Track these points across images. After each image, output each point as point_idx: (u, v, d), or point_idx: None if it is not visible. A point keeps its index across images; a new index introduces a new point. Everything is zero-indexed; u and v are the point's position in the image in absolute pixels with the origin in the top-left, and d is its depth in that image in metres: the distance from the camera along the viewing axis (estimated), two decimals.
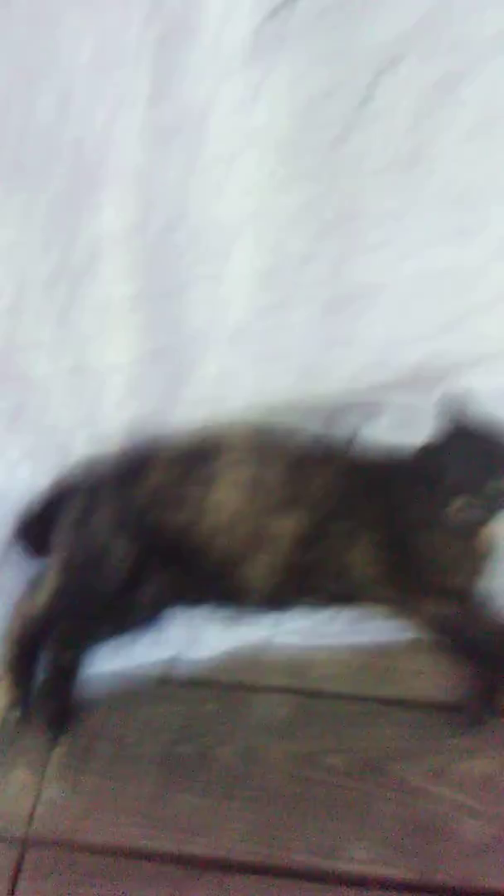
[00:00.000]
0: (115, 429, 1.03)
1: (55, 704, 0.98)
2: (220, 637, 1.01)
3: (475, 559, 0.98)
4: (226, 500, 0.97)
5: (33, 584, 1.01)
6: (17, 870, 0.87)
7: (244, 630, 1.01)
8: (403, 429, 1.19)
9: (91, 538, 0.98)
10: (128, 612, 1.00)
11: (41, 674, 0.99)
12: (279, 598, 1.00)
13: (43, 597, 0.99)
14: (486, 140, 0.75)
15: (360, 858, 0.85)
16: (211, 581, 0.99)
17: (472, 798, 0.89)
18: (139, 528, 0.97)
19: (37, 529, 1.07)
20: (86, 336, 0.86)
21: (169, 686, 1.00)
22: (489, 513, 0.94)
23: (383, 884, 0.84)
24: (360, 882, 0.84)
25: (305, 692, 0.99)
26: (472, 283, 0.92)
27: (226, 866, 0.86)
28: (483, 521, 0.95)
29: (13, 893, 0.86)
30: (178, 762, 0.94)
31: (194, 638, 1.00)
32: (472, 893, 0.83)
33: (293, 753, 0.94)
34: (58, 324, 0.84)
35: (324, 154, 0.72)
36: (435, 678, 0.98)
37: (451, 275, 0.91)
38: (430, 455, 0.98)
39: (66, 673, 0.98)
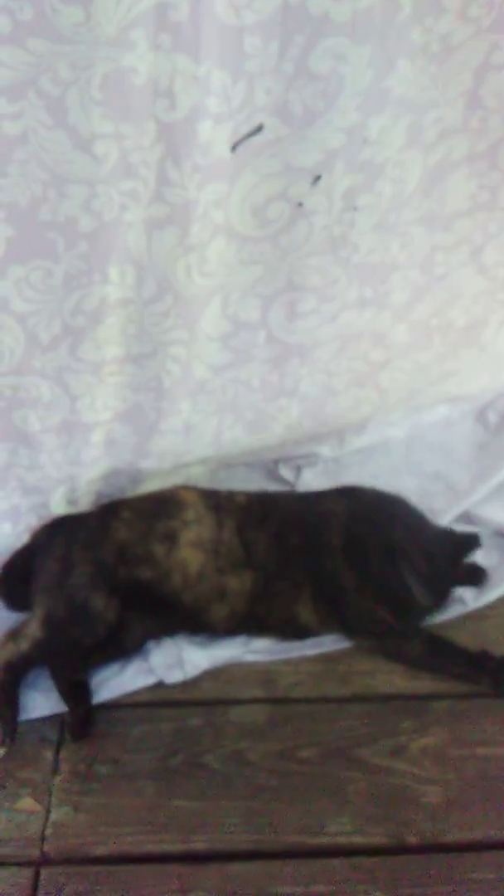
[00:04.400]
0: (90, 484, 1.17)
1: (78, 712, 1.08)
2: (198, 660, 1.13)
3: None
4: (189, 559, 1.13)
5: (13, 634, 1.11)
6: (34, 888, 0.94)
7: (219, 652, 1.14)
8: (327, 477, 1.40)
9: (71, 595, 1.10)
10: (114, 650, 1.13)
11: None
12: (243, 633, 1.17)
13: (25, 645, 1.09)
14: (383, 232, 0.99)
15: (340, 832, 0.98)
16: (182, 623, 1.14)
17: (427, 769, 1.04)
18: (114, 583, 1.10)
19: (11, 585, 1.18)
20: (76, 395, 1.01)
21: (156, 708, 1.11)
22: None
23: (363, 851, 0.97)
24: (343, 852, 0.97)
25: (276, 700, 1.12)
26: (373, 345, 1.16)
27: (225, 857, 0.97)
28: None
29: None
30: (171, 773, 1.04)
31: (175, 662, 1.12)
32: (439, 849, 0.97)
33: (271, 752, 1.06)
34: (55, 383, 0.99)
35: (270, 243, 0.94)
36: (383, 675, 1.14)
37: (359, 338, 1.14)
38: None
39: (78, 685, 1.10)
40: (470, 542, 1.22)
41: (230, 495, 1.22)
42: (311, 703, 1.12)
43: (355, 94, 0.82)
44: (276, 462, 1.38)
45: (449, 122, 0.88)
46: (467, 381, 1.31)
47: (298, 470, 1.41)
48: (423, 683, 1.13)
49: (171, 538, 1.13)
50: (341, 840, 0.98)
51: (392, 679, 1.14)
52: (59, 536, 1.16)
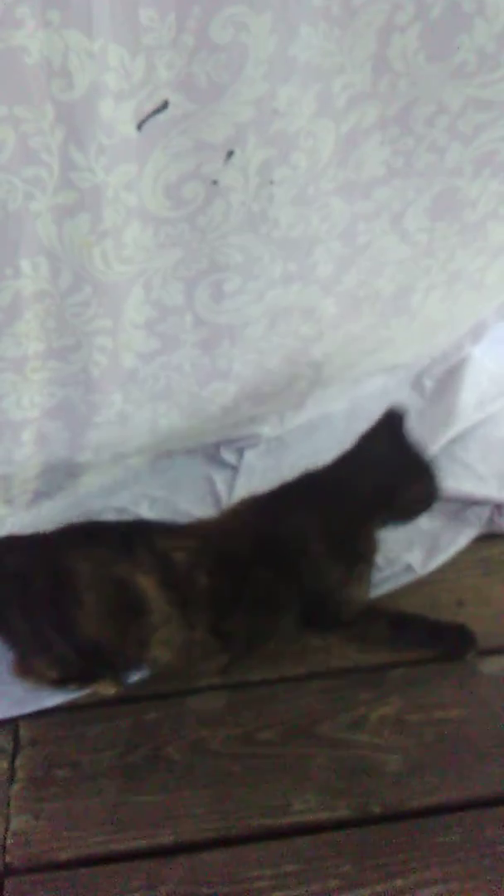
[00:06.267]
0: (25, 483, 1.14)
1: None
2: None
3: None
4: (160, 656, 1.08)
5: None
6: None
7: None
8: (270, 457, 1.40)
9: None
10: None
11: None
12: None
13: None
14: (302, 204, 0.97)
15: (305, 809, 0.98)
16: None
17: (387, 738, 1.05)
18: None
19: None
20: (0, 394, 0.98)
21: (112, 705, 1.09)
22: None
23: (329, 826, 0.97)
24: (310, 829, 0.97)
25: (233, 685, 1.11)
26: (303, 319, 1.15)
27: (192, 847, 0.96)
28: None
29: None
30: (131, 769, 1.03)
31: None
32: (402, 816, 0.98)
33: (232, 737, 1.05)
34: None
35: (187, 223, 0.91)
36: (338, 650, 1.14)
37: (288, 313, 1.12)
38: None
39: None
40: (393, 416, 1.16)
41: (191, 578, 1.08)
42: (269, 685, 1.12)
43: (260, 63, 0.80)
44: (218, 446, 1.37)
45: (358, 88, 0.86)
46: (401, 350, 1.31)
47: (240, 452, 1.39)
48: (378, 655, 1.14)
49: (143, 641, 1.06)
50: (307, 818, 0.98)
51: (347, 653, 1.14)
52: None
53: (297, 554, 1.11)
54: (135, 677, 1.11)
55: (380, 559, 1.23)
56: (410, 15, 0.81)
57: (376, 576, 1.20)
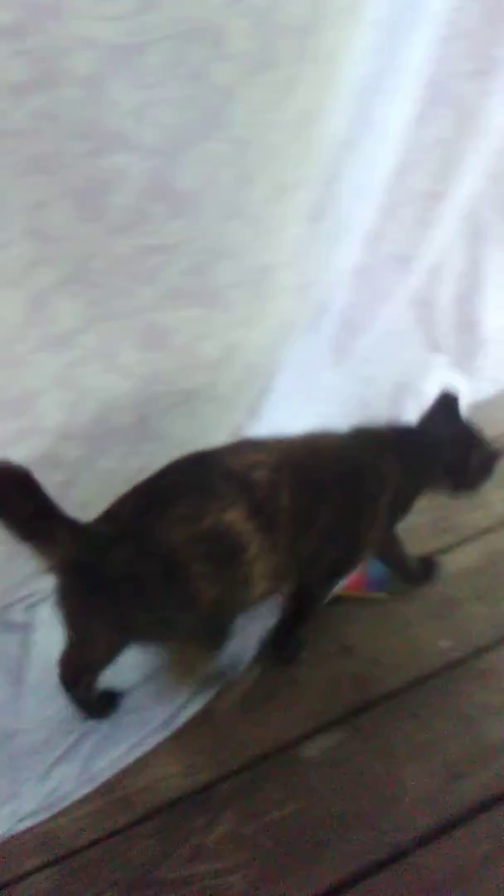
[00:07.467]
0: None
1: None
2: None
3: None
4: (263, 590, 1.08)
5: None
6: None
7: None
8: None
9: None
10: None
11: None
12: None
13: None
14: (10, 367, 1.03)
15: None
16: None
17: (228, 859, 1.02)
18: None
19: None
20: None
21: None
22: None
23: None
24: None
25: (61, 857, 1.04)
26: (51, 467, 1.16)
27: None
28: None
29: None
30: None
31: None
32: None
33: None
34: None
35: None
36: (163, 782, 1.12)
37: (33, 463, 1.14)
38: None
39: None
40: (448, 397, 1.23)
41: (274, 497, 1.04)
42: (100, 844, 1.05)
43: None
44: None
45: (27, 258, 0.94)
46: None
47: (31, 608, 1.36)
48: (203, 775, 1.12)
49: (244, 582, 1.05)
50: None
51: (171, 782, 1.11)
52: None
53: (373, 492, 1.13)
54: None
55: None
56: (55, 190, 0.91)
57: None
